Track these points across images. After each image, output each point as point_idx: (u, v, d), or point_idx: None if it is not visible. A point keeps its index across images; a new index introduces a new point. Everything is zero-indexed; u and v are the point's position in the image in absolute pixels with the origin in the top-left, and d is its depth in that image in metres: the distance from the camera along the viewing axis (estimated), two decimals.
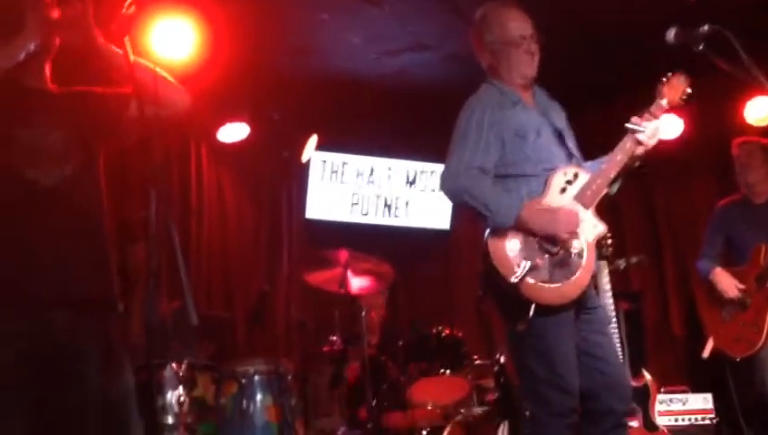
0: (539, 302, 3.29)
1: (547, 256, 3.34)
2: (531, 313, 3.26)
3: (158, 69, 3.03)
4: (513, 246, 3.33)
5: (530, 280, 3.28)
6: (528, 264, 3.28)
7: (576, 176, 3.48)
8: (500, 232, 3.35)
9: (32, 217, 2.75)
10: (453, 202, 3.51)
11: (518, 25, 3.60)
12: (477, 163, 3.39)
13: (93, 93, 3.01)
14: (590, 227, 3.44)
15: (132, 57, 2.79)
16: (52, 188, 2.78)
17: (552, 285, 3.32)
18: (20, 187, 2.75)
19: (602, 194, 3.49)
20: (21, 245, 2.73)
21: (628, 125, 3.52)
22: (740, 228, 5.60)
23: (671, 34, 3.22)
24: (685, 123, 6.93)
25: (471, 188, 3.35)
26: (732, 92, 6.22)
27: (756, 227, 5.50)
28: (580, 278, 3.37)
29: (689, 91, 3.58)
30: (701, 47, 3.15)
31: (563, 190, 3.44)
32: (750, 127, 6.62)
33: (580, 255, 3.38)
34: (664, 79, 3.59)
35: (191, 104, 3.17)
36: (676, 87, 3.58)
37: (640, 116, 3.54)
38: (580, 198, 3.45)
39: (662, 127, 3.62)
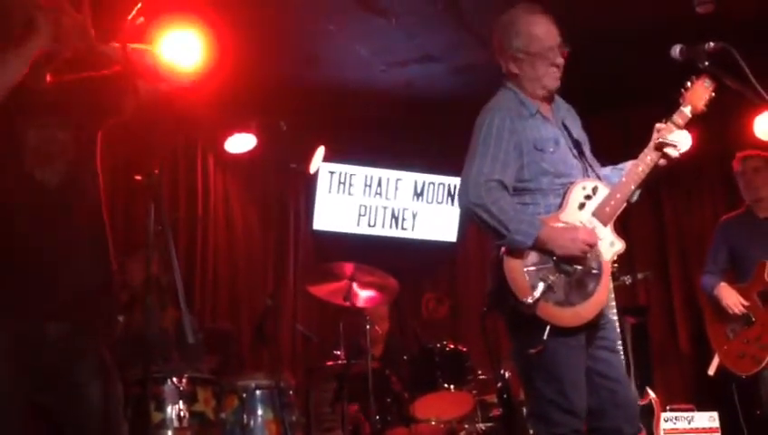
0: (554, 324, 3.15)
1: (563, 275, 3.20)
2: (546, 335, 3.12)
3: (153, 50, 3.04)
4: (528, 265, 3.19)
5: (545, 301, 3.15)
6: (544, 284, 3.14)
7: (595, 190, 3.33)
8: (516, 250, 3.20)
9: (42, 220, 2.73)
10: (466, 216, 3.31)
11: (546, 36, 3.40)
12: (497, 176, 3.23)
13: (90, 80, 2.99)
14: (607, 246, 3.31)
15: (129, 48, 2.81)
16: (58, 186, 2.76)
17: (569, 307, 3.19)
18: (31, 190, 2.73)
19: (621, 209, 3.35)
20: (27, 252, 2.71)
21: (659, 140, 3.36)
22: (744, 243, 5.51)
23: (676, 51, 3.18)
24: (693, 139, 6.84)
25: (490, 205, 3.19)
26: (740, 108, 6.15)
27: (761, 243, 5.42)
28: (596, 299, 3.24)
29: (714, 95, 3.37)
30: (706, 63, 3.12)
31: (582, 206, 3.30)
32: (759, 142, 6.55)
33: (596, 274, 3.25)
34: (688, 84, 3.41)
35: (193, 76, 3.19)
36: (700, 92, 3.39)
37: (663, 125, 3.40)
38: (598, 214, 3.31)
39: (686, 138, 3.45)
